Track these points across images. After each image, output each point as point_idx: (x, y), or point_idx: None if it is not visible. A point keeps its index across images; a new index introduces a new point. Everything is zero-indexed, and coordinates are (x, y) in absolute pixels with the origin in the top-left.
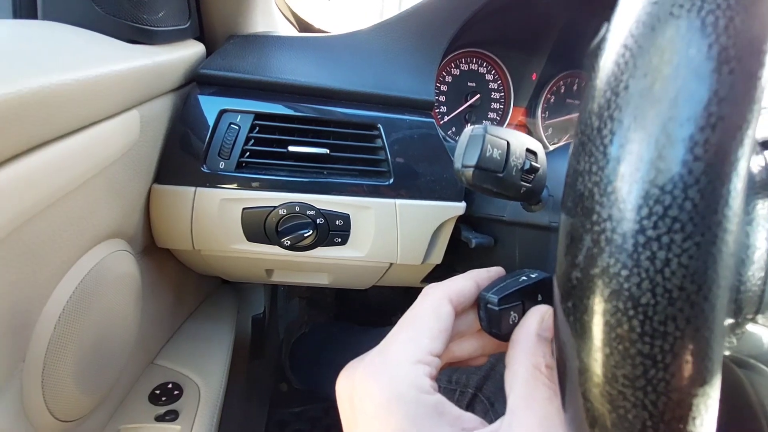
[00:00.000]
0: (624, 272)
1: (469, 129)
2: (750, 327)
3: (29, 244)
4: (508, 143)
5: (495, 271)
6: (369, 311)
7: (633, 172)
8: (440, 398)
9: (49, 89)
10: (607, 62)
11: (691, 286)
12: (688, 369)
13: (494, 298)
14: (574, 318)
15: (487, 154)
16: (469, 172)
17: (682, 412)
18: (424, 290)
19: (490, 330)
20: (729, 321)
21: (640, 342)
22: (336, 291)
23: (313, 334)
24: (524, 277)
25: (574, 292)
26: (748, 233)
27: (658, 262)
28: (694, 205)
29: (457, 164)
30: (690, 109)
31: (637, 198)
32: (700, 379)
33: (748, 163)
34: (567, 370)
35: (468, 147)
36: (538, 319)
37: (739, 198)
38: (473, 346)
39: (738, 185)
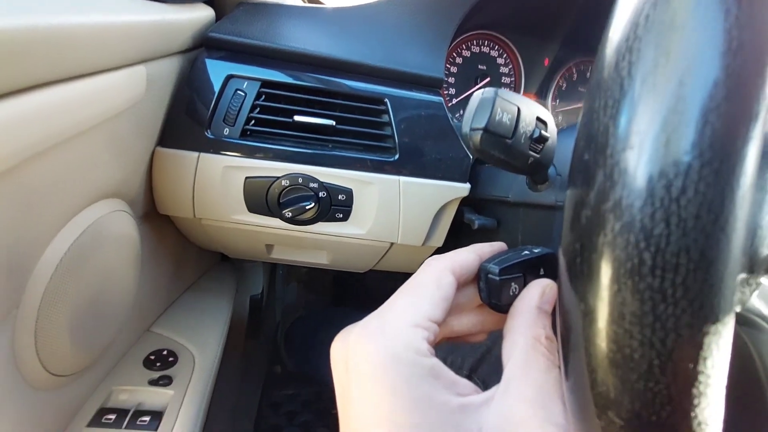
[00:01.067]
0: (637, 203)
1: (480, 92)
2: (764, 280)
3: (28, 190)
4: (518, 109)
5: (498, 246)
6: (366, 297)
7: (653, 101)
8: (437, 362)
9: (56, 29)
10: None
11: (708, 215)
12: (700, 304)
13: (495, 269)
14: (581, 259)
15: (497, 118)
16: (478, 135)
17: (692, 351)
18: (426, 261)
19: (489, 301)
20: (742, 276)
21: (650, 276)
22: (334, 275)
23: (310, 317)
24: (527, 251)
25: (584, 232)
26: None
27: (674, 189)
28: (713, 130)
29: (465, 128)
30: (712, 37)
31: (656, 126)
32: (713, 316)
33: None
34: (571, 315)
35: (478, 109)
36: (539, 291)
37: (761, 125)
38: (472, 321)
39: (761, 112)
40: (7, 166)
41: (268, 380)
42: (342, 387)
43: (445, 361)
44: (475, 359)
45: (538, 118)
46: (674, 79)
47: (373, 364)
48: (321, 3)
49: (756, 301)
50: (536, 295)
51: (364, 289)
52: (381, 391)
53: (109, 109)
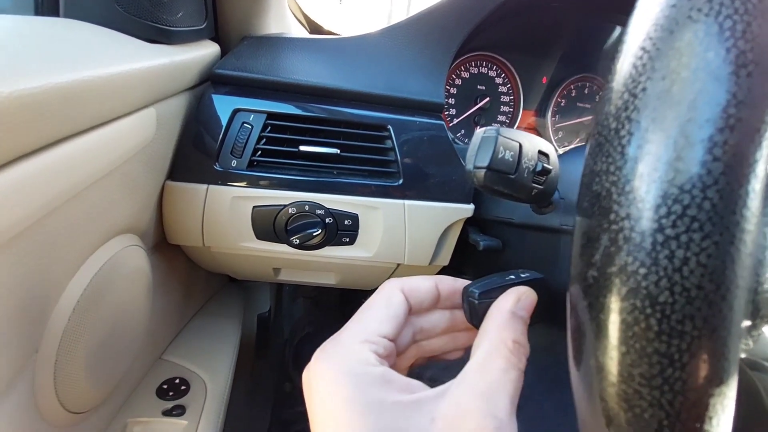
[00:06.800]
0: (642, 270)
1: (481, 131)
2: (766, 329)
3: (47, 238)
4: (520, 145)
5: (461, 283)
6: None
7: (651, 172)
8: (386, 369)
9: (70, 86)
10: (625, 65)
11: (710, 285)
12: (705, 368)
13: (475, 292)
14: (590, 317)
15: (499, 156)
16: (481, 173)
17: (698, 412)
18: (381, 284)
19: (471, 321)
20: (746, 323)
21: (657, 341)
22: (341, 292)
23: (318, 334)
24: (512, 276)
25: (591, 291)
26: (765, 235)
27: (676, 260)
28: (713, 204)
29: (469, 165)
30: (709, 111)
31: (656, 197)
32: (717, 379)
33: (766, 164)
34: (582, 370)
35: (480, 148)
36: (514, 297)
37: (758, 199)
38: (443, 340)
39: (756, 186)
40: (26, 225)
41: (278, 399)
42: (310, 410)
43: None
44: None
45: (540, 152)
46: (672, 153)
47: (328, 379)
48: (336, 33)
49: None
50: (511, 300)
51: None
52: (337, 402)
53: (123, 154)
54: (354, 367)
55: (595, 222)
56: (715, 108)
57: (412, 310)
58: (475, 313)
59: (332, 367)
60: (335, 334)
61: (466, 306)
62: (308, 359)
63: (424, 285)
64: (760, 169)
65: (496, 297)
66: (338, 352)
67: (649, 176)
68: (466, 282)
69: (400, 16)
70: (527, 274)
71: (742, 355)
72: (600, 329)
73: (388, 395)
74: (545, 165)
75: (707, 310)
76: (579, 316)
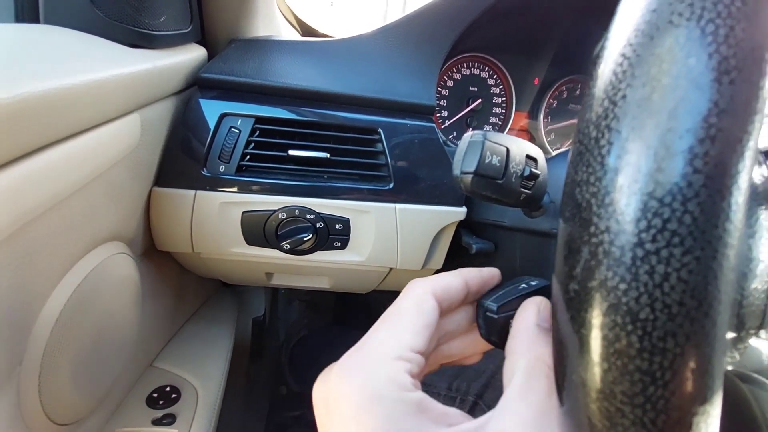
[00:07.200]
0: (622, 286)
1: (468, 135)
2: (753, 341)
3: (28, 247)
4: (507, 150)
5: (488, 272)
6: (369, 315)
7: (631, 183)
8: (423, 396)
9: (51, 93)
10: (605, 71)
11: (692, 301)
12: (688, 386)
13: (493, 306)
14: (573, 330)
15: (486, 161)
16: (468, 178)
17: (682, 431)
18: (408, 284)
19: (488, 338)
20: (731, 335)
21: (638, 358)
22: (336, 294)
23: (313, 337)
24: (524, 285)
25: (572, 305)
26: (750, 246)
27: (657, 276)
28: (693, 218)
29: (456, 171)
30: (689, 120)
31: (636, 210)
32: (701, 397)
33: (749, 175)
34: (566, 382)
35: (467, 153)
36: (534, 309)
37: (740, 212)
38: (464, 343)
39: (739, 199)
40: (7, 234)
41: (273, 402)
42: (324, 430)
43: (450, 388)
44: (480, 385)
45: (527, 156)
46: (652, 164)
47: (355, 403)
48: (329, 36)
49: (758, 358)
50: (533, 314)
51: (367, 307)
52: (363, 431)
53: (106, 162)
54: (386, 391)
55: (576, 233)
56: (696, 117)
57: (442, 314)
58: (494, 329)
59: (360, 388)
60: (358, 345)
61: (481, 321)
62: (304, 362)
63: (454, 284)
64: (742, 181)
65: (514, 309)
66: (367, 370)
67: (628, 188)
68: (493, 271)
69: (395, 17)
70: (536, 282)
71: (730, 368)
72: (582, 344)
73: (425, 428)
74: (533, 170)
75: (689, 326)
76: (562, 328)
